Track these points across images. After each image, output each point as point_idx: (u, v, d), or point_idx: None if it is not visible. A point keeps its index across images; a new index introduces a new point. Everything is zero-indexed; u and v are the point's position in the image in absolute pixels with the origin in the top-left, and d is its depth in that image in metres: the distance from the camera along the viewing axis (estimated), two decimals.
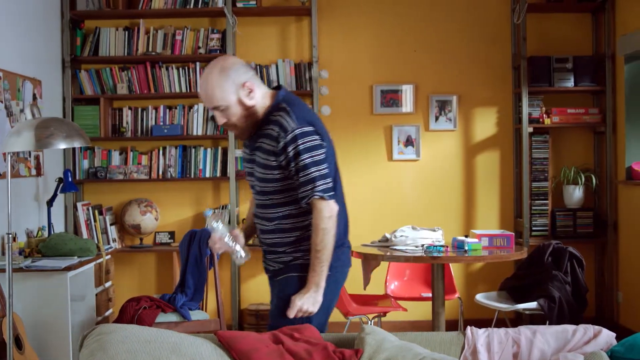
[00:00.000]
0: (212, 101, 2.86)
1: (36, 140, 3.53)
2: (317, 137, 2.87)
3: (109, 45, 6.06)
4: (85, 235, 5.85)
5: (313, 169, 2.84)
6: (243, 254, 2.99)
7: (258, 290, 6.16)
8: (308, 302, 2.91)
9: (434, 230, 4.88)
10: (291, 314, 2.90)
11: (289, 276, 2.99)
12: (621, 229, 5.99)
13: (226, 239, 2.97)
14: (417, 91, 6.25)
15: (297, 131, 2.82)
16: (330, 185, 2.89)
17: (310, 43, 6.11)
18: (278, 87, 3.01)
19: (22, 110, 5.02)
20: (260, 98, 2.92)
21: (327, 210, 2.86)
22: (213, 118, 2.71)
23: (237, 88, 2.86)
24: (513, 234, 4.83)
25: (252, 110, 2.89)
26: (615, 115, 6.02)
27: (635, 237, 5.74)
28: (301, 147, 2.82)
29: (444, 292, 4.72)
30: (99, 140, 6.06)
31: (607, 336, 2.84)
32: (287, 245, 2.97)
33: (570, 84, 6.04)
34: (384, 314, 5.14)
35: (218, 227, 2.96)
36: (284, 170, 2.86)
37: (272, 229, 2.98)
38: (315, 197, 2.85)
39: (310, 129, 2.85)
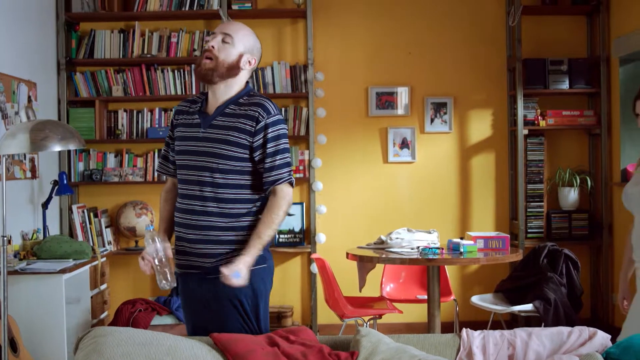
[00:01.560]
0: (232, 29, 2.97)
1: (31, 142, 3.52)
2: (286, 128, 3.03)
3: (104, 48, 6.05)
4: (80, 237, 5.84)
5: (287, 155, 2.98)
6: (170, 279, 2.85)
7: None
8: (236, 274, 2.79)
9: (430, 233, 4.89)
10: (225, 272, 2.76)
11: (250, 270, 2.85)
12: (616, 231, 6.00)
13: (159, 258, 2.83)
14: (413, 93, 6.25)
15: (279, 116, 2.96)
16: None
17: (306, 45, 6.11)
18: None
19: (16, 113, 5.01)
20: (243, 77, 3.02)
21: (289, 196, 2.95)
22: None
23: (249, 50, 2.99)
24: (508, 236, 4.84)
25: (233, 72, 2.96)
26: (610, 117, 6.03)
27: None
28: (281, 131, 2.95)
29: (439, 294, 4.72)
30: (94, 143, 6.05)
31: (602, 338, 2.85)
32: (231, 230, 2.89)
33: (565, 86, 6.05)
34: (380, 316, 5.13)
35: (156, 245, 2.84)
36: (252, 152, 2.90)
37: (216, 210, 2.89)
38: (287, 181, 2.93)
39: (283, 119, 3.01)
